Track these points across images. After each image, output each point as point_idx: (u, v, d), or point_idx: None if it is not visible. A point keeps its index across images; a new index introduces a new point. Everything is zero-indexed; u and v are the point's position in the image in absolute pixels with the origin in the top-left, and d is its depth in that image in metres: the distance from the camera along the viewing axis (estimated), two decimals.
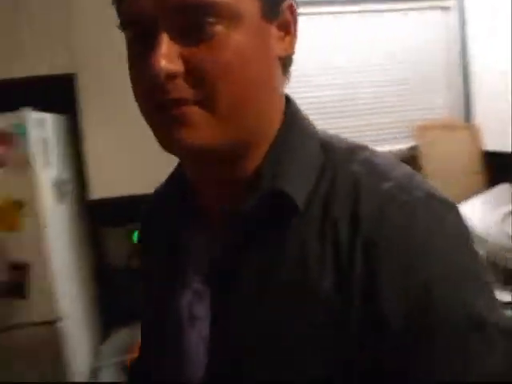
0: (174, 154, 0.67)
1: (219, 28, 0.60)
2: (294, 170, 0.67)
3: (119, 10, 0.65)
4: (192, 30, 0.60)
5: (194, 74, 0.61)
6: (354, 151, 0.69)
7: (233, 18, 0.60)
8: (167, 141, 0.65)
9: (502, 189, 2.13)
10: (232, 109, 0.62)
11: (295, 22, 0.68)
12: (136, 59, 0.64)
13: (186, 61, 0.60)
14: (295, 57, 0.71)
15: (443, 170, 2.60)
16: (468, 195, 2.29)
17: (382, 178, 0.65)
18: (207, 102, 0.61)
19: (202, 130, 0.62)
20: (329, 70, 2.85)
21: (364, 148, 0.71)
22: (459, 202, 2.13)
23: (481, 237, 1.98)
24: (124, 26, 0.64)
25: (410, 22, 2.90)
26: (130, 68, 0.65)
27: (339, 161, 0.68)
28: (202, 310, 0.72)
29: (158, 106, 0.62)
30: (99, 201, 2.28)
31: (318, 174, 0.67)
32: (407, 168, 0.68)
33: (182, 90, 0.61)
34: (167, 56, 0.59)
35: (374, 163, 0.67)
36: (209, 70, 0.60)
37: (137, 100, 0.66)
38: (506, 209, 2.12)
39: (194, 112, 0.61)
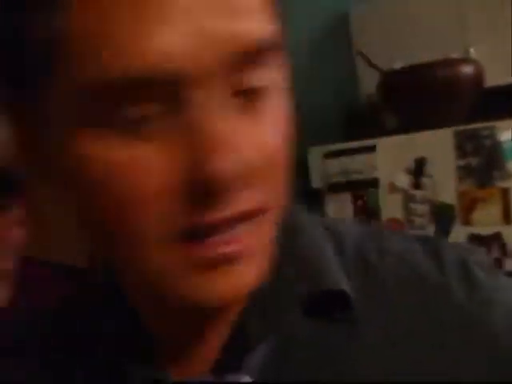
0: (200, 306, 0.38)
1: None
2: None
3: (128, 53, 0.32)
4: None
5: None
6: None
7: None
8: (203, 292, 0.37)
9: None
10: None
11: None
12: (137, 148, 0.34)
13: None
14: None
15: None
16: None
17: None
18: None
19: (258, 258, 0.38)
20: None
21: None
22: None
23: None
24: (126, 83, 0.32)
25: None
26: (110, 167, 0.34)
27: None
28: None
29: (187, 232, 0.35)
30: None
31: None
32: None
33: (249, 197, 0.36)
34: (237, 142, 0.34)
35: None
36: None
37: (115, 224, 0.36)
38: None
39: (252, 232, 0.37)
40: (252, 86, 0.35)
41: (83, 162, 0.34)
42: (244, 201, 0.35)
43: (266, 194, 0.36)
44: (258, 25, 0.34)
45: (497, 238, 2.01)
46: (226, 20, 0.33)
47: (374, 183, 2.19)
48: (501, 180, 1.99)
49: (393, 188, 2.16)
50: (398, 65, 2.19)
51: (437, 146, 2.05)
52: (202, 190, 0.33)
